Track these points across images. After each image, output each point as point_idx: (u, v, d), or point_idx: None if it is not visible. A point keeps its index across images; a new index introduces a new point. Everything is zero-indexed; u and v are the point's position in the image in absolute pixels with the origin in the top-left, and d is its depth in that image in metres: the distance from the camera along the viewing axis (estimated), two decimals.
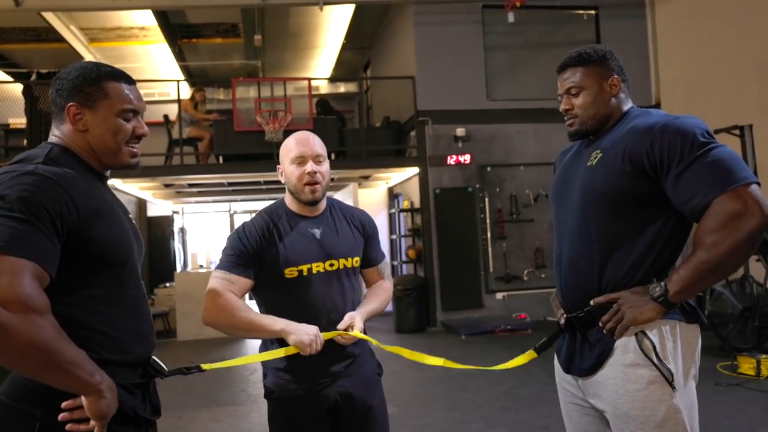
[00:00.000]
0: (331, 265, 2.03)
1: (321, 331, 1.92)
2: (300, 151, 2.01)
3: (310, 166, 1.99)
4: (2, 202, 1.26)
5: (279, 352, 1.88)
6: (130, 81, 1.52)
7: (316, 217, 2.08)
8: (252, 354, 2.07)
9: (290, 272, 1.98)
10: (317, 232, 2.05)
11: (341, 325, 1.96)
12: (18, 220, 1.24)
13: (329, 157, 2.11)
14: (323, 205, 2.11)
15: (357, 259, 2.10)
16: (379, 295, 2.16)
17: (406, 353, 2.03)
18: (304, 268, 1.99)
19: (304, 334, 1.86)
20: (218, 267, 1.99)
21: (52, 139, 1.47)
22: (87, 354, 1.31)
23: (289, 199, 2.09)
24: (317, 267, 2.00)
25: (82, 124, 1.44)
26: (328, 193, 2.17)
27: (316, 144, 2.04)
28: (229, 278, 1.95)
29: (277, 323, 1.90)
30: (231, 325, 1.92)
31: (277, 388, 2.00)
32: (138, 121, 1.51)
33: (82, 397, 1.31)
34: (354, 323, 1.96)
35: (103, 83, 1.45)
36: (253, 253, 1.98)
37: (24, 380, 1.32)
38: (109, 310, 1.41)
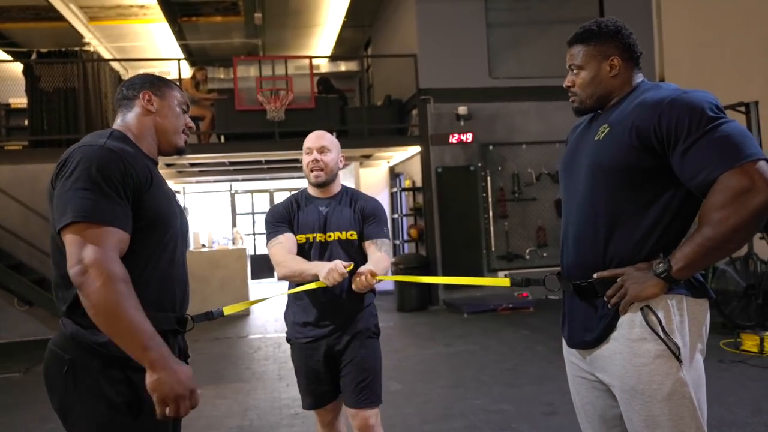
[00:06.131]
0: (329, 236, 2.55)
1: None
2: (309, 144, 2.61)
3: (314, 155, 2.58)
4: (80, 174, 1.48)
5: (311, 285, 2.34)
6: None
7: (326, 198, 2.63)
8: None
9: (301, 238, 2.55)
10: (324, 209, 2.59)
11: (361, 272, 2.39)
12: (94, 192, 1.47)
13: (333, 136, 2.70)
14: (335, 189, 2.63)
15: (352, 233, 2.57)
16: (373, 261, 2.50)
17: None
18: (311, 236, 2.55)
19: (323, 269, 2.30)
20: (268, 239, 2.55)
21: (114, 128, 1.73)
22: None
23: (308, 185, 2.66)
24: (319, 237, 2.55)
25: (153, 106, 1.76)
26: None
27: (324, 139, 2.61)
28: (278, 240, 2.51)
29: (313, 265, 2.39)
30: (291, 273, 2.42)
31: (292, 337, 2.62)
32: (187, 117, 1.87)
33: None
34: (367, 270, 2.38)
35: (167, 82, 1.84)
36: (284, 219, 2.58)
37: (63, 333, 1.55)
38: (149, 264, 1.61)
